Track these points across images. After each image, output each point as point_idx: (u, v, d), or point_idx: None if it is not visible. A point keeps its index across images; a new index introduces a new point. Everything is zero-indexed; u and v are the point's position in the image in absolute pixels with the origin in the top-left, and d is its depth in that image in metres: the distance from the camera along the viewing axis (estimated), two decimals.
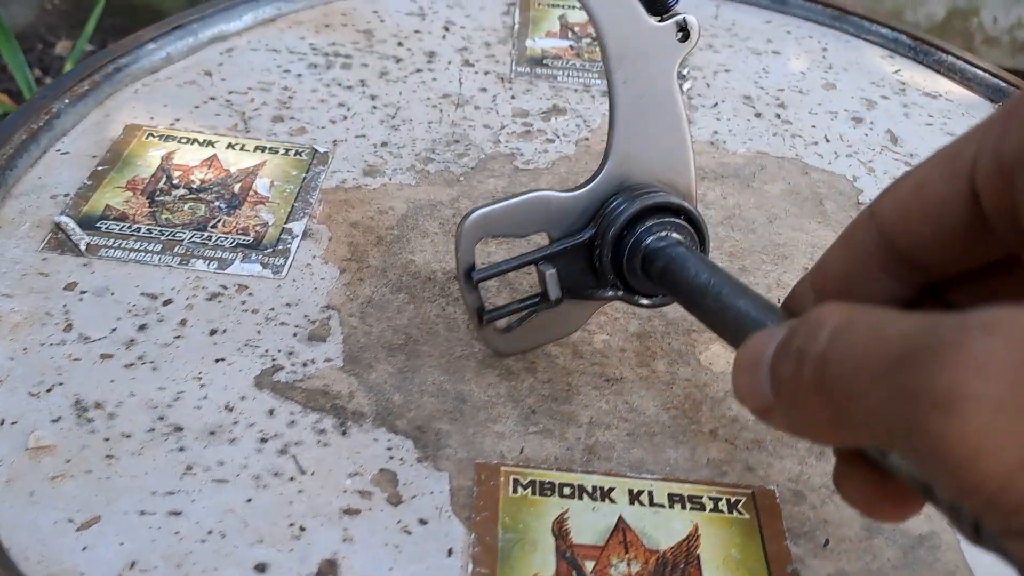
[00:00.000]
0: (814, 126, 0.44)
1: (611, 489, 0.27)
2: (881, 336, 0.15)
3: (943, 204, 0.18)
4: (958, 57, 0.48)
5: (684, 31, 0.28)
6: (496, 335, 0.30)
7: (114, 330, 0.31)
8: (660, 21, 0.28)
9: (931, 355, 0.13)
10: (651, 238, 0.28)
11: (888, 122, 0.45)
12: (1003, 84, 0.46)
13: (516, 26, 0.51)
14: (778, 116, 0.45)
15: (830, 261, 0.21)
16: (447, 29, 0.51)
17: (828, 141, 0.43)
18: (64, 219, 0.34)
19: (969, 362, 0.13)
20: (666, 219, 0.28)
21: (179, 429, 0.28)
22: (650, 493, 0.27)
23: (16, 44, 0.91)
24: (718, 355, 0.32)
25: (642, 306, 0.29)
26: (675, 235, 0.28)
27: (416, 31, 0.50)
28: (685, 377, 0.31)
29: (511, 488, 0.27)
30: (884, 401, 0.14)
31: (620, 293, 0.29)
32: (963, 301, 0.20)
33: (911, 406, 0.13)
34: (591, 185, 0.29)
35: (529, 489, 0.27)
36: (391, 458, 0.27)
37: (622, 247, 0.28)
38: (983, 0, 1.78)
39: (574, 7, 0.53)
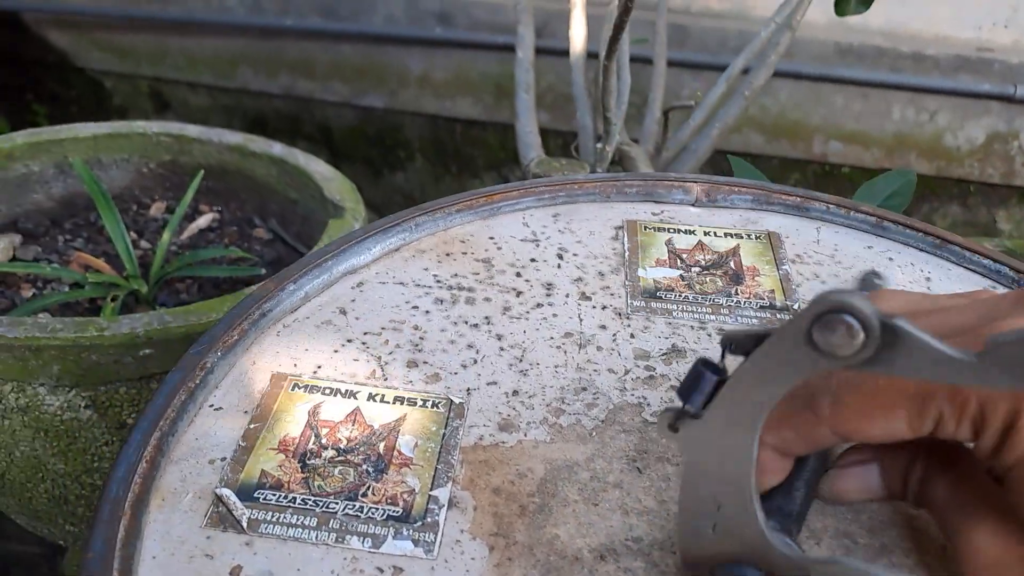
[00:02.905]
0: None
1: None
2: None
3: None
4: None
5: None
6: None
7: None
8: None
9: None
10: None
11: None
12: None
13: (627, 253, 0.53)
14: None
15: None
16: (560, 257, 0.53)
17: None
18: (225, 492, 0.36)
19: None
20: None
21: None
22: None
23: (116, 212, 0.97)
24: None
25: None
26: None
27: (532, 259, 0.53)
28: None
29: None
30: None
31: None
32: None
33: None
34: None
35: None
36: None
37: None
38: (1023, 123, 1.82)
39: (679, 230, 0.56)
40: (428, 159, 1.91)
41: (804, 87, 1.81)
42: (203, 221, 1.05)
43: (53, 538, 0.98)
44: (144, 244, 1.03)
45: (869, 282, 0.47)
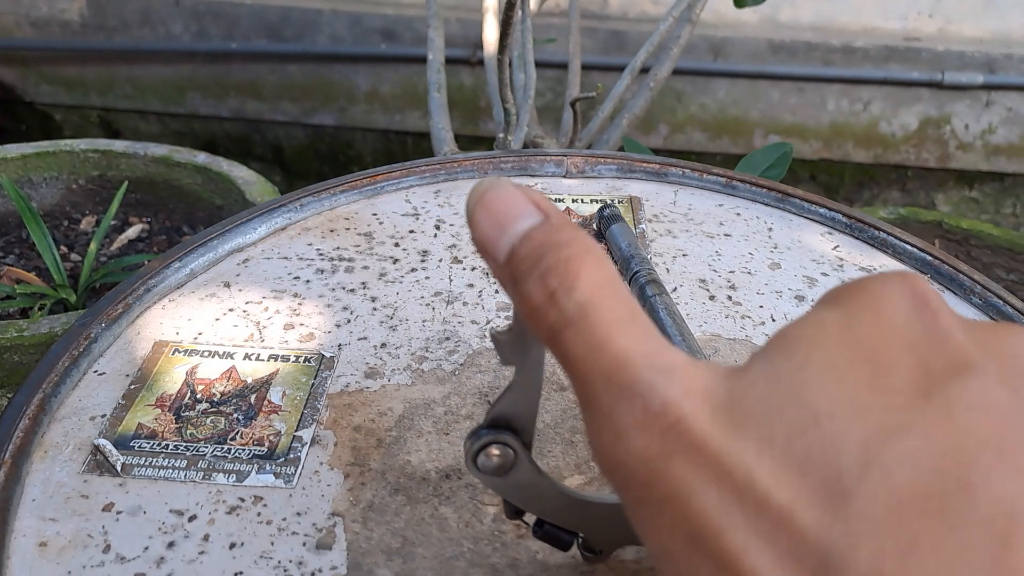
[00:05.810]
0: (761, 306, 0.50)
1: None
2: (607, 346, 0.19)
3: None
4: (889, 233, 0.54)
5: None
6: None
7: (146, 549, 0.35)
8: None
9: (617, 393, 0.18)
10: None
11: None
12: (930, 257, 0.52)
13: None
14: (729, 298, 0.50)
15: None
16: (438, 227, 0.57)
17: (774, 320, 0.48)
18: (102, 441, 0.39)
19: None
20: None
21: None
22: None
23: (44, 227, 0.99)
24: None
25: None
26: None
27: (411, 231, 0.57)
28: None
29: None
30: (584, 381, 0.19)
31: None
32: None
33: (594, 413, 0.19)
34: None
35: None
36: None
37: None
38: (954, 109, 1.90)
39: (550, 199, 0.60)
40: None
41: (741, 84, 1.88)
42: (132, 232, 1.07)
43: None
44: (75, 257, 1.06)
45: (602, 215, 0.53)
